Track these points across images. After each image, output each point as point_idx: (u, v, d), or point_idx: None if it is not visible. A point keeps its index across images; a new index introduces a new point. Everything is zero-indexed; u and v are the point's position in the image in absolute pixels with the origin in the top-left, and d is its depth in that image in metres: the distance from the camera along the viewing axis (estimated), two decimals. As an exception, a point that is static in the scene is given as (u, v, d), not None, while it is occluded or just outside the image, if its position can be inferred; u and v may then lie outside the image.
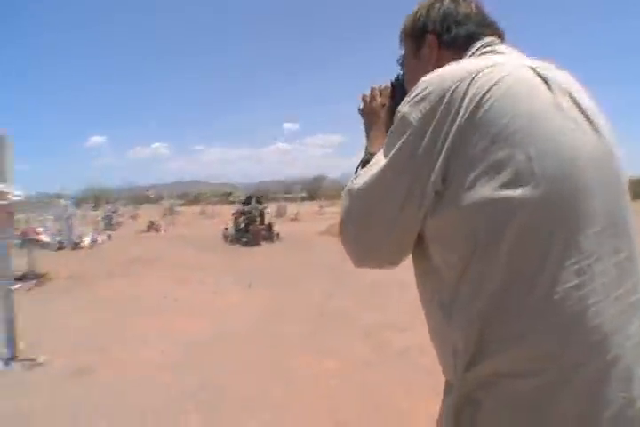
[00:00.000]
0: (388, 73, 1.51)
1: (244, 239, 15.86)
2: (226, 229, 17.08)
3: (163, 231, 21.72)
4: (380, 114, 1.46)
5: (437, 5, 1.26)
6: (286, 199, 33.62)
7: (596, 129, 1.04)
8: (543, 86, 1.03)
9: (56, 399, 4.19)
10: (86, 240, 15.58)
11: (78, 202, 32.82)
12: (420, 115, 1.01)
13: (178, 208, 32.74)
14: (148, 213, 26.25)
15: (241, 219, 16.86)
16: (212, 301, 7.92)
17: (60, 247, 14.57)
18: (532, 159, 0.94)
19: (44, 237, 10.52)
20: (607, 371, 0.92)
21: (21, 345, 5.43)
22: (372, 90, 1.51)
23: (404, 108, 1.06)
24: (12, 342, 5.30)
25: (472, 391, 0.98)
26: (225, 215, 19.02)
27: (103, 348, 5.56)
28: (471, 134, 0.96)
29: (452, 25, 1.23)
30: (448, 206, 0.99)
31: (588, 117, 1.04)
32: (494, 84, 0.99)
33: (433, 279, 1.07)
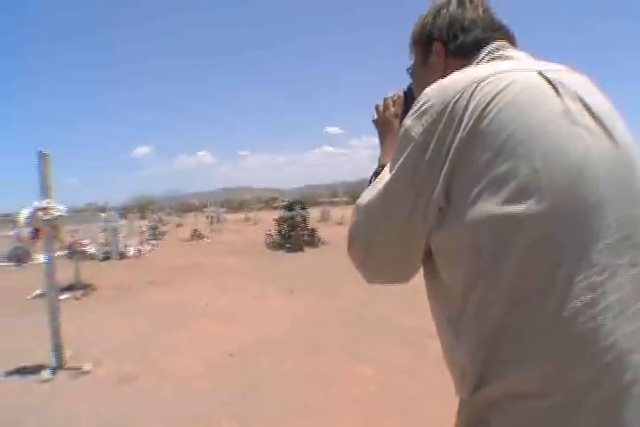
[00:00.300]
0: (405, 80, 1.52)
1: (287, 245, 15.95)
2: (269, 235, 17.20)
3: (207, 239, 21.99)
4: (394, 124, 1.45)
5: (444, 11, 1.23)
6: (332, 203, 33.64)
7: (610, 135, 0.98)
8: (551, 92, 0.98)
9: (100, 407, 4.30)
10: (131, 250, 15.92)
11: (124, 212, 33.61)
12: (421, 129, 0.99)
13: (223, 215, 33.11)
14: (192, 221, 26.61)
15: (284, 225, 16.96)
16: (253, 307, 7.98)
17: (107, 258, 14.94)
18: (538, 172, 0.90)
19: (90, 249, 10.83)
20: (625, 392, 0.87)
21: (68, 354, 5.60)
22: (386, 99, 1.50)
23: (407, 121, 1.04)
24: (58, 351, 5.46)
25: (481, 411, 0.94)
26: (269, 221, 19.18)
27: (146, 356, 5.68)
28: (474, 147, 0.93)
29: (458, 32, 1.20)
30: (452, 223, 0.96)
31: (601, 123, 0.98)
32: (498, 94, 0.95)
33: (442, 295, 1.04)
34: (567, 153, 0.92)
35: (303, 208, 17.54)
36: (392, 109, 1.47)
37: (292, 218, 16.89)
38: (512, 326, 0.90)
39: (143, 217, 34.46)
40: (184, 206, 38.62)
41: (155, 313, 7.83)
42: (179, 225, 32.61)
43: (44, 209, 5.44)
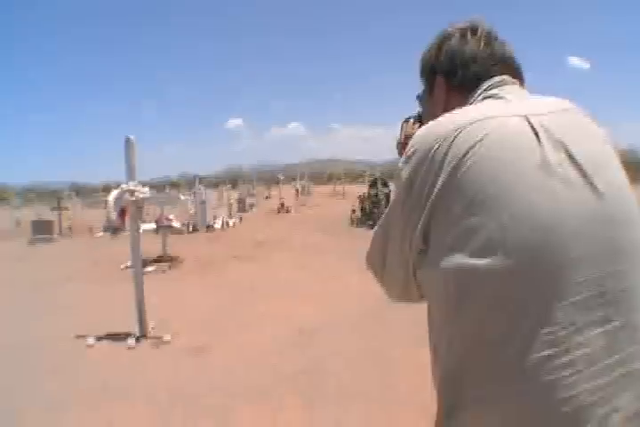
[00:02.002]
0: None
1: (370, 222, 15.97)
2: (353, 211, 17.31)
3: (293, 212, 22.37)
4: None
5: (446, 45, 1.22)
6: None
7: (593, 187, 0.95)
8: (533, 141, 0.97)
9: (175, 376, 4.65)
10: (218, 222, 16.51)
11: (216, 183, 34.65)
12: (407, 172, 1.03)
13: (311, 188, 33.45)
14: (281, 193, 27.08)
15: (367, 202, 17.00)
16: (330, 285, 8.15)
17: (194, 230, 15.61)
18: (504, 228, 0.91)
19: (175, 223, 11.42)
20: None
21: (151, 324, 6.03)
22: (408, 122, 1.50)
23: (400, 162, 1.08)
24: (142, 321, 5.89)
25: None
26: (356, 195, 19.23)
27: (221, 329, 6.02)
28: (450, 196, 0.95)
29: (457, 68, 1.19)
30: (428, 265, 1.01)
31: (584, 174, 0.95)
32: (475, 144, 0.96)
33: (430, 323, 1.09)
34: (537, 210, 0.92)
35: (385, 185, 17.46)
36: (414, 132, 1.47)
37: (375, 195, 16.89)
38: (474, 368, 0.94)
39: (234, 188, 35.39)
40: (274, 178, 39.28)
41: (235, 288, 8.21)
42: (267, 197, 33.34)
43: (131, 191, 5.84)
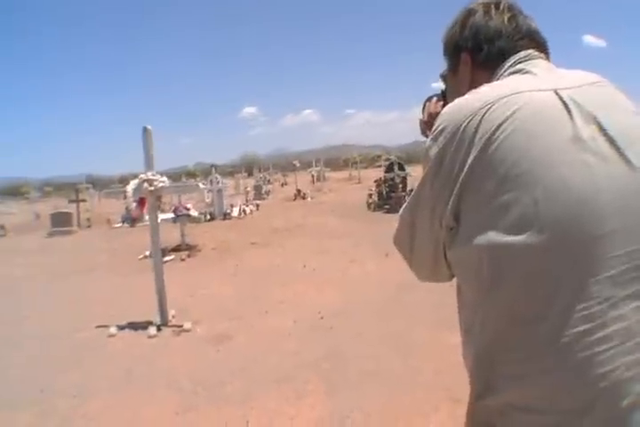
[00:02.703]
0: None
1: (387, 206, 15.91)
2: (370, 195, 17.24)
3: (309, 199, 22.37)
4: None
5: (470, 21, 1.20)
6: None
7: (627, 159, 0.93)
8: (563, 115, 0.96)
9: (196, 364, 4.68)
10: (235, 211, 16.55)
11: (232, 171, 34.73)
12: (436, 150, 1.02)
13: (326, 174, 33.38)
14: (297, 179, 27.08)
15: (384, 186, 16.91)
16: (348, 270, 8.13)
17: (212, 218, 15.67)
18: (538, 203, 0.89)
19: (193, 212, 11.47)
20: (622, 419, 0.86)
21: (172, 313, 6.06)
22: (430, 98, 1.47)
23: (427, 140, 1.07)
24: (162, 309, 5.92)
25: (487, 417, 0.98)
26: (372, 180, 19.17)
27: (241, 316, 6.04)
28: (480, 174, 0.94)
29: (482, 43, 1.17)
30: (459, 243, 0.99)
31: (617, 147, 0.94)
32: (506, 120, 0.94)
33: (462, 305, 1.08)
34: (570, 184, 0.90)
35: (402, 169, 17.35)
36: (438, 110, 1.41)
37: (391, 179, 16.80)
38: (509, 346, 0.93)
39: (249, 176, 35.46)
40: (289, 165, 39.30)
41: (253, 275, 8.22)
42: (283, 184, 33.37)
43: (149, 180, 5.84)
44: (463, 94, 1.10)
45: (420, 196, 1.08)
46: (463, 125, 0.98)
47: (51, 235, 15.73)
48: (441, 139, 1.01)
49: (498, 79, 1.13)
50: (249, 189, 24.02)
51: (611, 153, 0.93)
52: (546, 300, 0.89)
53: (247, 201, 20.54)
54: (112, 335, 5.61)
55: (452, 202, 0.98)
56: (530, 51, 1.15)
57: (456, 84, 1.26)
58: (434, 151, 1.02)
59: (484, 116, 0.96)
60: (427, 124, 1.42)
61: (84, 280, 8.74)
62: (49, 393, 4.19)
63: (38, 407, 3.96)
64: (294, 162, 33.10)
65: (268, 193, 25.75)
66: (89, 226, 17.72)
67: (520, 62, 1.13)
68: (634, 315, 0.88)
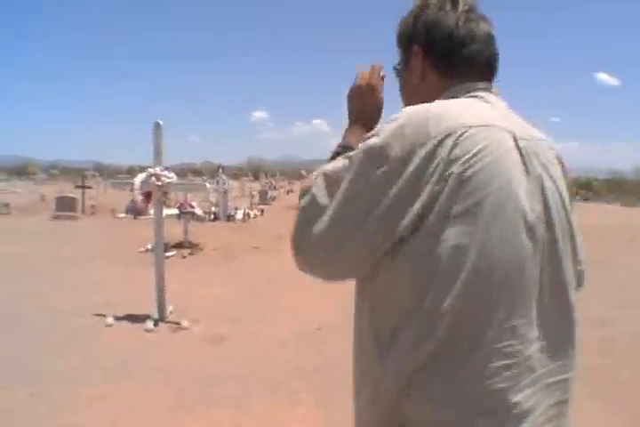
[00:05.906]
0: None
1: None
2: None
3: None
4: (380, 96, 1.33)
5: (424, 13, 1.18)
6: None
7: (554, 240, 1.04)
8: (521, 167, 1.00)
9: (192, 362, 4.70)
10: (239, 214, 16.56)
11: (237, 174, 34.79)
12: (399, 154, 0.96)
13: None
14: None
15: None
16: (348, 282, 8.10)
17: (215, 218, 15.69)
18: (489, 240, 0.94)
19: (198, 210, 11.48)
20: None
21: (170, 308, 6.09)
22: (374, 67, 1.35)
23: (382, 136, 1.00)
24: (161, 305, 5.96)
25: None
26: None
27: (239, 319, 6.06)
28: (451, 193, 0.93)
29: (434, 40, 1.16)
30: (411, 253, 0.96)
31: (550, 213, 1.04)
32: (482, 150, 0.95)
33: (380, 304, 1.04)
34: (517, 235, 0.97)
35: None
36: (380, 82, 1.34)
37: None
38: (440, 369, 0.95)
39: (255, 180, 35.50)
40: (295, 173, 39.32)
41: (253, 280, 8.25)
42: (289, 191, 33.36)
43: (157, 175, 5.90)
44: (414, 88, 1.17)
45: (365, 194, 0.99)
46: (437, 140, 0.95)
47: (55, 218, 15.76)
48: (407, 142, 0.96)
49: (453, 96, 1.12)
50: (254, 192, 23.99)
51: (543, 228, 1.01)
52: (478, 333, 0.95)
53: (252, 205, 20.54)
54: (109, 325, 5.64)
55: (414, 213, 0.94)
56: (484, 82, 1.16)
57: (408, 76, 1.24)
58: (396, 154, 0.96)
59: (459, 138, 0.95)
60: (362, 92, 1.33)
61: (84, 266, 8.78)
62: (41, 377, 4.21)
63: (29, 390, 3.96)
64: (301, 171, 33.05)
65: (273, 199, 25.76)
66: (93, 213, 17.73)
67: (478, 91, 1.13)
68: (537, 354, 1.00)
